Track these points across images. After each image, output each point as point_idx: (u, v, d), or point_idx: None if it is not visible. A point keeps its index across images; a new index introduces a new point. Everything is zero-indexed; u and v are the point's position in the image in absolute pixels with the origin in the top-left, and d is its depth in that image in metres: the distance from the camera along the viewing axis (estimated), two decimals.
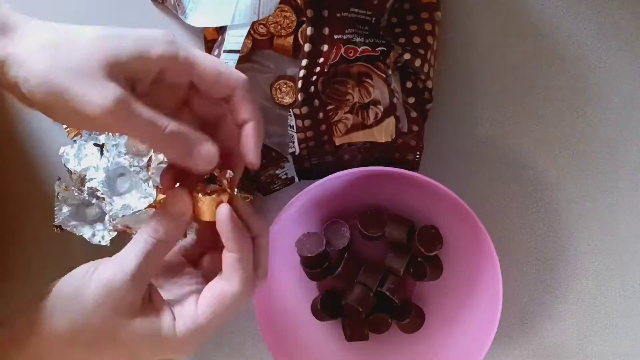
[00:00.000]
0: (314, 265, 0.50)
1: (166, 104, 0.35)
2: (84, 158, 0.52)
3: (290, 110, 0.48)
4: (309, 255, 0.49)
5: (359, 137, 0.50)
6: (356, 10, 0.47)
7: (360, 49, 0.47)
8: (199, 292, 0.36)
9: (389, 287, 0.50)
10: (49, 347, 0.33)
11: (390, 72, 0.49)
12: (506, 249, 0.54)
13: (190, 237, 0.40)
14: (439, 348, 0.51)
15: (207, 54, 0.35)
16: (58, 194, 0.53)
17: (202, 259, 0.39)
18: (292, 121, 0.49)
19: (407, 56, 0.49)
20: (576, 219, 0.54)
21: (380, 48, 0.48)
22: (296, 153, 0.50)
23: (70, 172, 0.52)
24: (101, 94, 0.30)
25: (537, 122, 0.54)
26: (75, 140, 0.53)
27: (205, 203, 0.35)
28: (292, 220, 0.50)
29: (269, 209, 0.55)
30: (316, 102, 0.49)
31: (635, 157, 0.54)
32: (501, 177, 0.54)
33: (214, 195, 0.35)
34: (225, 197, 0.35)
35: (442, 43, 0.54)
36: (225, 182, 0.35)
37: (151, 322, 0.34)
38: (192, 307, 0.35)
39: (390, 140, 0.50)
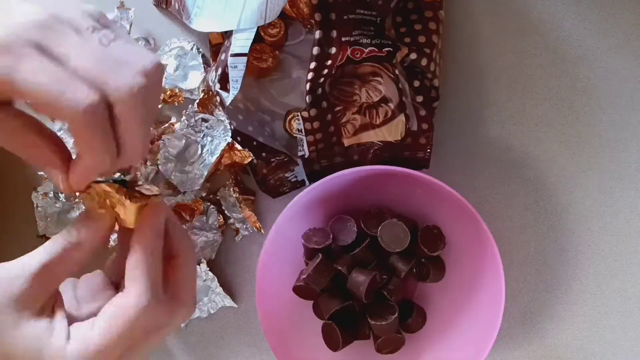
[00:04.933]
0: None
1: None
2: None
3: (299, 113, 0.48)
4: (316, 247, 0.49)
5: (368, 137, 0.50)
6: (362, 11, 0.47)
7: (367, 50, 0.47)
8: None
9: (388, 289, 0.50)
10: None
11: (397, 72, 0.49)
12: (506, 248, 0.54)
13: (112, 257, 0.37)
14: (441, 348, 0.51)
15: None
16: (37, 204, 0.53)
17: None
18: (300, 125, 0.48)
19: (413, 56, 0.49)
20: (576, 219, 0.54)
21: (386, 48, 0.48)
22: (306, 156, 0.50)
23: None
24: None
25: (537, 122, 0.54)
26: None
27: (129, 209, 0.32)
28: (295, 217, 0.49)
29: (271, 209, 0.55)
30: (324, 104, 0.49)
31: (635, 157, 0.54)
32: (501, 177, 0.54)
33: (139, 203, 0.32)
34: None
35: (443, 43, 0.54)
36: (147, 189, 0.33)
37: (40, 332, 0.30)
38: (88, 326, 0.31)
39: (399, 139, 0.50)
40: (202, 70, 0.54)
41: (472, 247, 0.49)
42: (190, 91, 0.54)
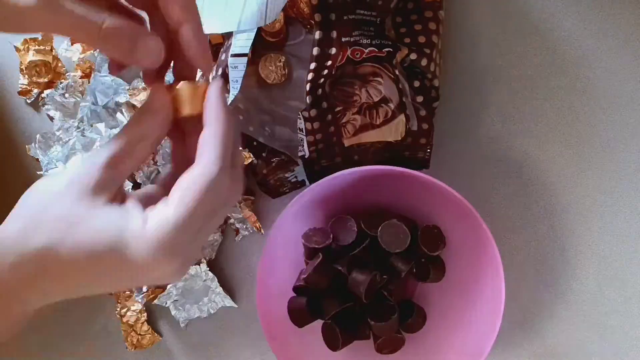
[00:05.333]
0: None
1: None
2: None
3: (300, 113, 0.48)
4: (316, 247, 0.49)
5: (368, 137, 0.50)
6: (362, 11, 0.47)
7: (367, 50, 0.47)
8: None
9: (388, 289, 0.50)
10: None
11: (397, 72, 0.49)
12: (506, 248, 0.54)
13: (168, 167, 0.37)
14: (441, 348, 0.51)
15: None
16: None
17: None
18: (301, 124, 0.48)
19: (413, 56, 0.49)
20: (576, 219, 0.54)
21: (386, 49, 0.48)
22: (306, 156, 0.50)
23: None
24: None
25: (537, 122, 0.54)
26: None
27: (186, 91, 0.32)
28: (296, 217, 0.49)
29: (271, 209, 0.55)
30: (324, 104, 0.49)
31: (635, 157, 0.54)
32: (501, 177, 0.54)
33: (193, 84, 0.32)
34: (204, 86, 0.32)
35: (443, 44, 0.54)
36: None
37: (118, 216, 0.30)
38: (162, 204, 0.30)
39: (399, 139, 0.49)
40: None
41: (472, 247, 0.49)
42: None
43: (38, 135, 0.53)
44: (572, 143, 0.54)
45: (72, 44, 0.55)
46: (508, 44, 0.54)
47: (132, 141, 0.32)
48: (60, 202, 0.30)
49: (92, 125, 0.52)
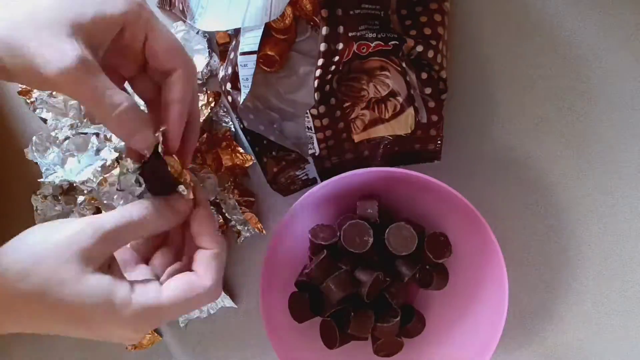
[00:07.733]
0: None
1: (125, 68, 0.37)
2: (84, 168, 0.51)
3: (308, 111, 0.48)
4: (322, 243, 0.48)
5: (378, 132, 0.49)
6: (367, 5, 0.47)
7: (373, 44, 0.47)
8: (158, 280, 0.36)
9: (390, 291, 0.50)
10: None
11: (404, 64, 0.48)
12: (506, 249, 0.53)
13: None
14: (438, 355, 0.51)
15: (165, 27, 0.36)
16: (36, 207, 0.53)
17: (152, 256, 0.39)
18: (309, 123, 0.48)
19: (419, 48, 0.48)
20: (576, 219, 0.54)
21: (392, 42, 0.47)
22: (316, 154, 0.50)
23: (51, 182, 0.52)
24: (62, 54, 0.30)
25: (538, 122, 0.54)
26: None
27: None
28: (302, 215, 0.49)
29: (272, 209, 0.55)
30: (332, 100, 0.48)
31: (635, 158, 0.54)
32: (501, 177, 0.54)
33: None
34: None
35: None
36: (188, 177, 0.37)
37: (107, 283, 0.32)
38: (155, 286, 0.34)
39: (409, 132, 0.49)
40: (207, 54, 0.53)
41: (478, 259, 0.49)
42: None
43: (34, 138, 0.52)
44: (572, 143, 0.54)
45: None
46: (507, 44, 0.54)
47: (144, 221, 0.34)
48: (53, 258, 0.31)
49: (84, 121, 0.52)
